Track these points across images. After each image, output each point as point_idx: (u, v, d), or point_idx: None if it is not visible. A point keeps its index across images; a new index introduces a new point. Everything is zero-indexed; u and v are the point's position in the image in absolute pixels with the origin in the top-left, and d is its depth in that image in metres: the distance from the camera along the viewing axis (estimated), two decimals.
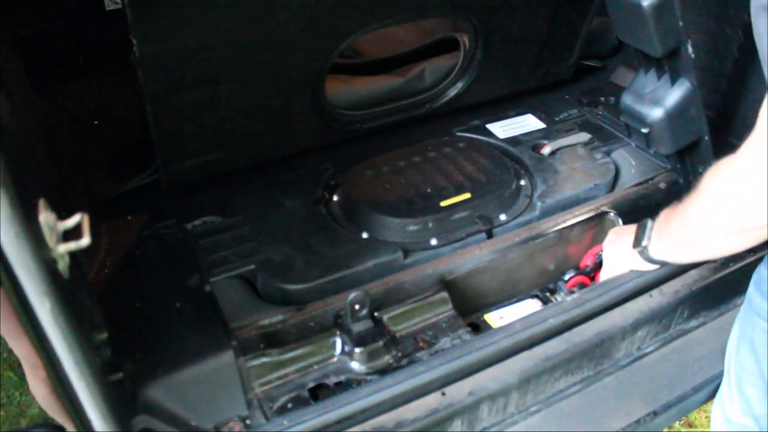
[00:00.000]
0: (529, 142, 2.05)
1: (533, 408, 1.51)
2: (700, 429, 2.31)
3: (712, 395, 1.63)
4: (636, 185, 1.87)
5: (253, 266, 1.58)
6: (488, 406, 1.42)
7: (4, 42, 1.80)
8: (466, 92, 2.13)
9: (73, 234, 0.86)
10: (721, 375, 1.59)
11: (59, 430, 1.14)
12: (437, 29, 2.26)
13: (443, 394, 1.37)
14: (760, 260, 1.42)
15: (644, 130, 1.69)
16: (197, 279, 1.51)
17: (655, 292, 1.61)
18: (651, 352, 1.65)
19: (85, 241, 0.86)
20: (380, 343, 1.42)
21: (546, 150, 1.99)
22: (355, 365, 1.41)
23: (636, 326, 1.58)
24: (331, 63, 1.81)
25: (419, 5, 1.86)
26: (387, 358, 1.43)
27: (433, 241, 1.68)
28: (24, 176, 0.95)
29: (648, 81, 1.69)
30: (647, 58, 1.64)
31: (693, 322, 1.72)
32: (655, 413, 1.53)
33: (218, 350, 1.32)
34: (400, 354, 1.44)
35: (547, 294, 1.73)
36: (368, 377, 1.39)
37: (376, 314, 1.47)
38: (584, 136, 2.05)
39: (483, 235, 1.72)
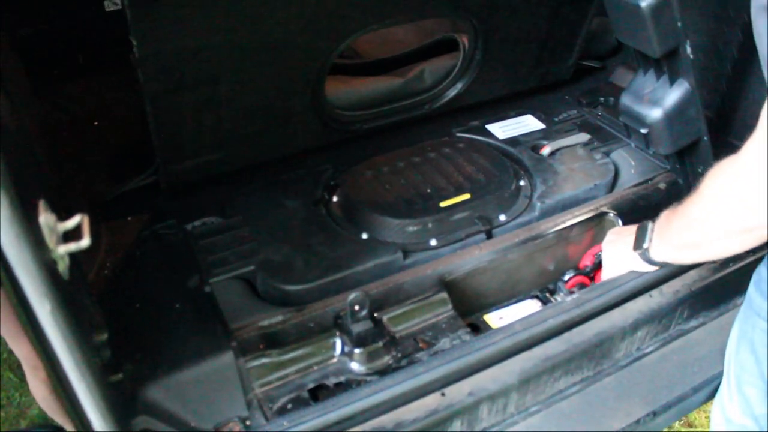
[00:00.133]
0: (528, 142, 2.05)
1: (533, 408, 1.51)
2: (699, 429, 2.31)
3: (711, 395, 1.63)
4: (635, 186, 1.87)
5: (252, 267, 1.58)
6: (488, 407, 1.42)
7: (4, 42, 1.80)
8: (466, 93, 2.13)
9: (73, 235, 0.86)
10: (720, 375, 1.59)
11: (59, 430, 1.14)
12: (437, 30, 2.26)
13: (443, 394, 1.37)
14: (760, 260, 1.42)
15: (643, 131, 1.69)
16: (197, 279, 1.51)
17: (654, 293, 1.61)
18: (651, 352, 1.65)
19: (85, 242, 0.86)
20: (380, 343, 1.42)
21: (545, 150, 1.99)
22: (355, 366, 1.41)
23: (636, 326, 1.58)
24: (331, 63, 1.81)
25: (419, 6, 1.86)
26: (387, 359, 1.43)
27: (433, 242, 1.69)
28: (24, 177, 0.95)
29: (647, 81, 1.68)
30: (646, 59, 1.64)
31: (693, 323, 1.72)
32: (654, 413, 1.53)
33: (218, 351, 1.32)
34: (399, 354, 1.44)
35: (547, 294, 1.73)
36: (368, 378, 1.39)
37: (375, 315, 1.47)
38: (584, 137, 2.05)
39: (483, 235, 1.72)
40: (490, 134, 2.10)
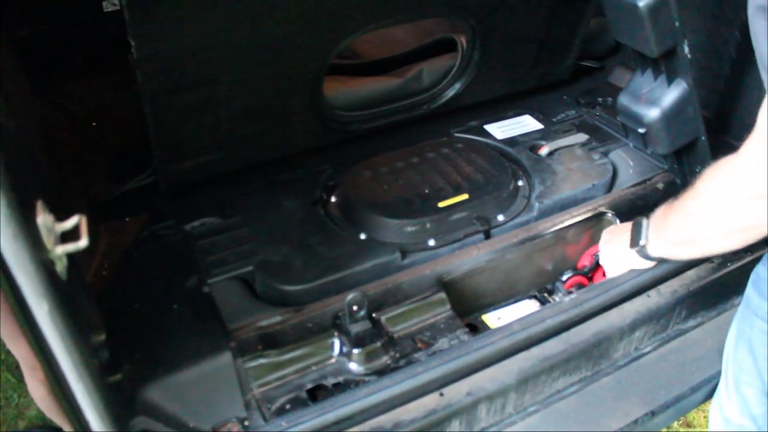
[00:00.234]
0: (527, 142, 2.05)
1: (531, 408, 1.51)
2: (698, 429, 2.31)
3: (710, 395, 1.63)
4: (634, 186, 1.87)
5: (251, 267, 1.58)
6: (486, 407, 1.42)
7: (4, 42, 1.80)
8: (464, 93, 2.13)
9: (71, 235, 0.86)
10: (718, 375, 1.59)
11: (57, 431, 1.14)
12: (435, 30, 2.26)
13: (441, 394, 1.37)
14: (757, 260, 1.43)
15: (641, 131, 1.70)
16: (196, 280, 1.51)
17: (652, 292, 1.61)
18: (649, 352, 1.65)
19: (83, 242, 0.86)
20: (378, 343, 1.42)
21: (544, 151, 1.99)
22: (354, 366, 1.41)
23: (634, 326, 1.58)
24: (330, 63, 1.81)
25: (417, 6, 1.86)
26: (385, 359, 1.43)
27: (431, 242, 1.69)
28: (23, 177, 0.95)
29: (644, 81, 1.69)
30: (644, 59, 1.64)
31: (691, 322, 1.72)
32: (653, 413, 1.53)
33: (216, 351, 1.32)
34: (398, 355, 1.44)
35: (545, 294, 1.74)
36: (366, 378, 1.39)
37: (374, 315, 1.47)
38: (582, 137, 2.05)
39: (481, 235, 1.72)
40: (488, 134, 2.10)
